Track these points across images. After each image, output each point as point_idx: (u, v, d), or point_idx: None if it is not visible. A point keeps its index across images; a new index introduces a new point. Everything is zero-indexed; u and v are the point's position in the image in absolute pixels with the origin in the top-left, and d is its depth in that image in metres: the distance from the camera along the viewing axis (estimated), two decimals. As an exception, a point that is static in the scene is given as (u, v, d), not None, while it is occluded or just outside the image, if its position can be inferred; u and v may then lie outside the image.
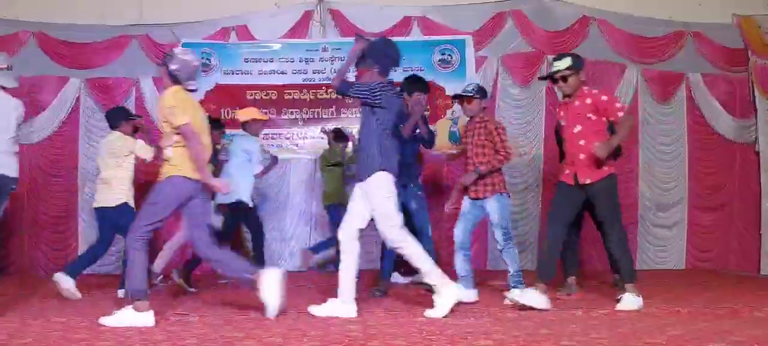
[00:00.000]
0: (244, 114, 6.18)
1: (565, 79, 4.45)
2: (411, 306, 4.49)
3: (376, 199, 4.12)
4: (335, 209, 6.43)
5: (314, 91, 7.50)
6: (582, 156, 4.39)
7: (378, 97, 4.10)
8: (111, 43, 7.51)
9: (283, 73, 7.34)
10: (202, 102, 7.24)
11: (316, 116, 7.47)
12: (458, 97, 5.04)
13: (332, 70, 7.46)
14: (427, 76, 7.22)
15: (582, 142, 4.39)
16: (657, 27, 7.80)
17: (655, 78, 7.78)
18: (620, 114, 4.33)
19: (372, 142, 4.17)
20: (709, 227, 7.83)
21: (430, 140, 5.37)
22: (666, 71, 7.81)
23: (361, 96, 4.15)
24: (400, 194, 5.10)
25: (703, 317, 4.05)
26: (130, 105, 7.45)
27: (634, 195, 7.71)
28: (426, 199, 5.49)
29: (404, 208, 5.13)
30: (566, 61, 4.46)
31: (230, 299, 4.36)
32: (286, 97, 7.45)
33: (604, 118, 4.38)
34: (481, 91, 4.96)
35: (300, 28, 7.62)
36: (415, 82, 5.27)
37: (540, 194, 7.62)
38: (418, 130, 5.24)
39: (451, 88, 7.29)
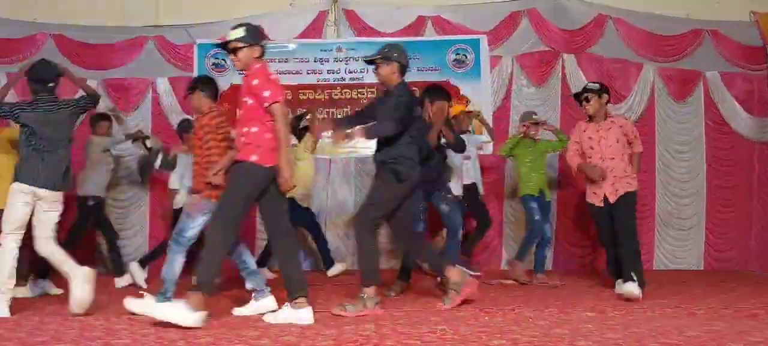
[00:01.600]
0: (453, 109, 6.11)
1: (235, 51, 3.78)
2: (424, 306, 4.48)
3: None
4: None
5: (329, 91, 7.51)
6: (243, 140, 3.80)
7: (6, 112, 4.41)
8: (128, 45, 7.55)
9: (297, 73, 7.34)
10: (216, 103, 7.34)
11: (330, 116, 7.48)
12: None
13: (347, 71, 7.48)
14: (442, 77, 7.33)
15: (244, 129, 3.78)
16: (674, 25, 7.69)
17: (672, 77, 7.68)
18: (266, 104, 3.66)
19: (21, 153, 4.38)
20: (727, 227, 7.70)
21: (459, 145, 5.45)
22: (683, 69, 7.70)
23: (4, 115, 4.49)
24: (432, 197, 5.39)
25: (720, 318, 4.00)
26: (147, 105, 7.51)
27: (651, 194, 7.63)
28: (459, 202, 5.82)
29: (435, 210, 5.56)
30: (238, 32, 3.77)
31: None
32: (300, 98, 7.46)
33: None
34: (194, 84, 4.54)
35: (314, 29, 7.62)
36: (436, 91, 5.29)
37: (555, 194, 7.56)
38: (443, 140, 5.29)
39: (466, 88, 7.31)
